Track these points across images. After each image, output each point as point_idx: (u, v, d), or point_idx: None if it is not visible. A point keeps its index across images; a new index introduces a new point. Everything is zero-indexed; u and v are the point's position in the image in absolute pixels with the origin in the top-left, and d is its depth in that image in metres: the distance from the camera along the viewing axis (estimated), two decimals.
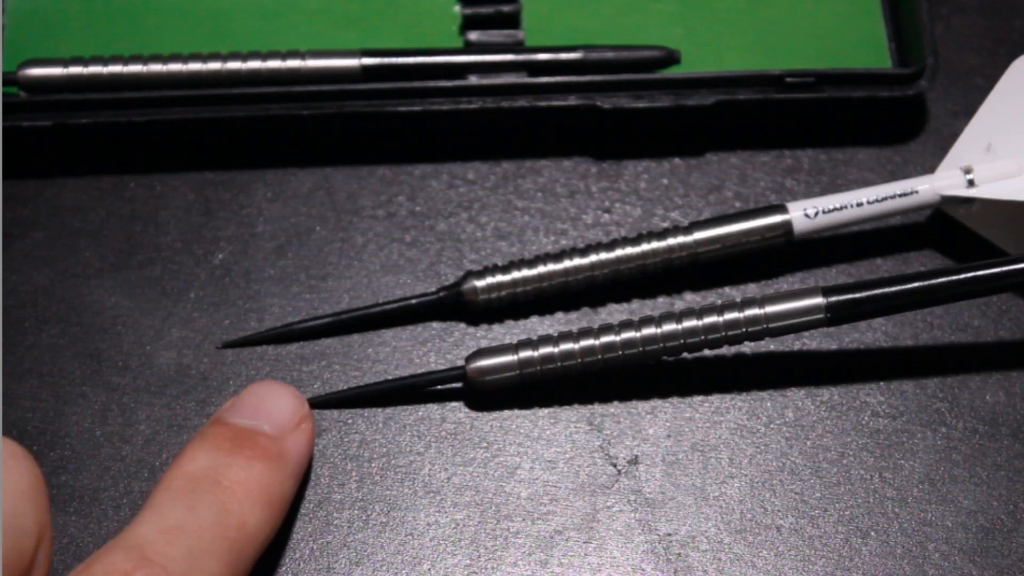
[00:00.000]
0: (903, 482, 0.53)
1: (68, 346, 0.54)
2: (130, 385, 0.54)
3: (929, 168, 0.57)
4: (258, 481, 0.47)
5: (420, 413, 0.53)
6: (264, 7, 0.59)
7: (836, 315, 0.52)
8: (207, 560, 0.45)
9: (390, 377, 0.54)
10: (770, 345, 0.55)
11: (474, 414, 0.53)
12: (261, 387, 0.50)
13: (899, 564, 0.51)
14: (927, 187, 0.55)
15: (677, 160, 0.58)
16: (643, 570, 0.51)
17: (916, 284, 0.52)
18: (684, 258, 0.55)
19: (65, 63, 0.56)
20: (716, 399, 0.54)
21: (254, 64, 0.56)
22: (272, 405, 0.50)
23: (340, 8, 0.59)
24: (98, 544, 0.50)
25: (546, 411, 0.54)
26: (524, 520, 0.52)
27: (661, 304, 0.56)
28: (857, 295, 0.52)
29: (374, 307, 0.55)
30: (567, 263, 0.55)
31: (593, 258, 0.55)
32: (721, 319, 0.52)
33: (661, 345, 0.52)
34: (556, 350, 0.52)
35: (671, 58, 0.57)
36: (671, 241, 0.55)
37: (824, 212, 0.55)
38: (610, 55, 0.57)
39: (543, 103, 0.57)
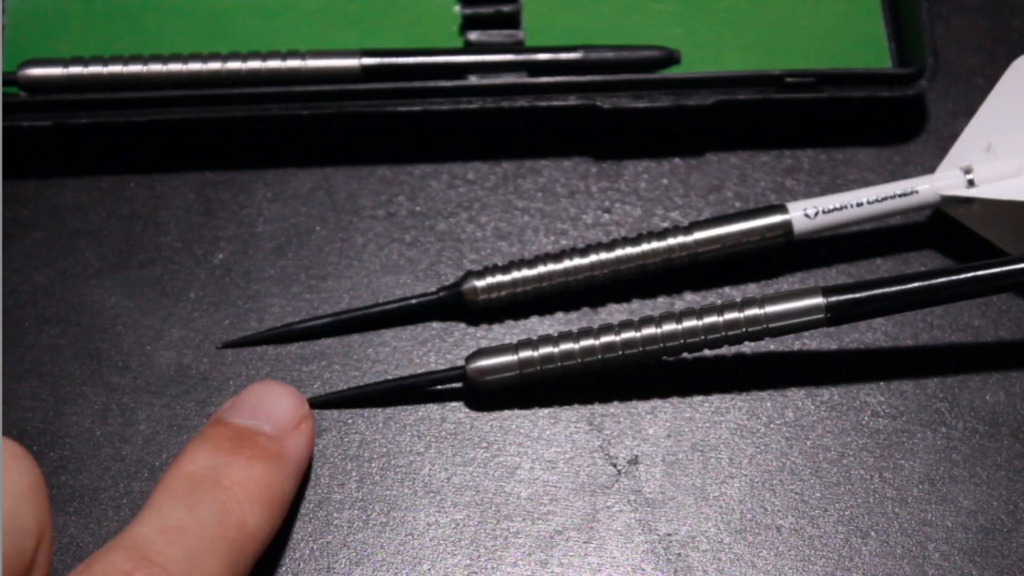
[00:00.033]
0: (903, 482, 0.53)
1: (68, 346, 0.54)
2: (130, 385, 0.54)
3: (929, 168, 0.57)
4: (258, 481, 0.47)
5: (420, 413, 0.53)
6: (264, 7, 0.59)
7: (836, 315, 0.52)
8: (207, 560, 0.45)
9: (390, 377, 0.54)
10: (770, 345, 0.55)
11: (474, 414, 0.53)
12: (261, 387, 0.50)
13: (899, 564, 0.51)
14: (927, 187, 0.55)
15: (677, 160, 0.58)
16: (643, 570, 0.51)
17: (916, 284, 0.52)
18: (684, 258, 0.55)
19: (65, 63, 0.56)
20: (716, 399, 0.54)
21: (254, 64, 0.56)
22: (272, 405, 0.50)
23: (340, 8, 0.59)
24: (98, 544, 0.50)
25: (546, 411, 0.54)
26: (524, 520, 0.52)
27: (661, 304, 0.56)
28: (857, 295, 0.52)
29: (374, 307, 0.55)
30: (567, 263, 0.55)
31: (593, 258, 0.55)
32: (721, 319, 0.52)
33: (661, 345, 0.52)
34: (556, 350, 0.52)
35: (671, 58, 0.57)
36: (671, 241, 0.55)
37: (824, 212, 0.55)
38: (610, 55, 0.57)
39: (543, 103, 0.57)
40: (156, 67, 0.56)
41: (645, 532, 0.52)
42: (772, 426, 0.53)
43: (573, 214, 0.57)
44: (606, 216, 0.57)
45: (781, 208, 0.55)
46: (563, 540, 0.52)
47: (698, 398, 0.54)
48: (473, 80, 0.57)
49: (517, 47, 0.58)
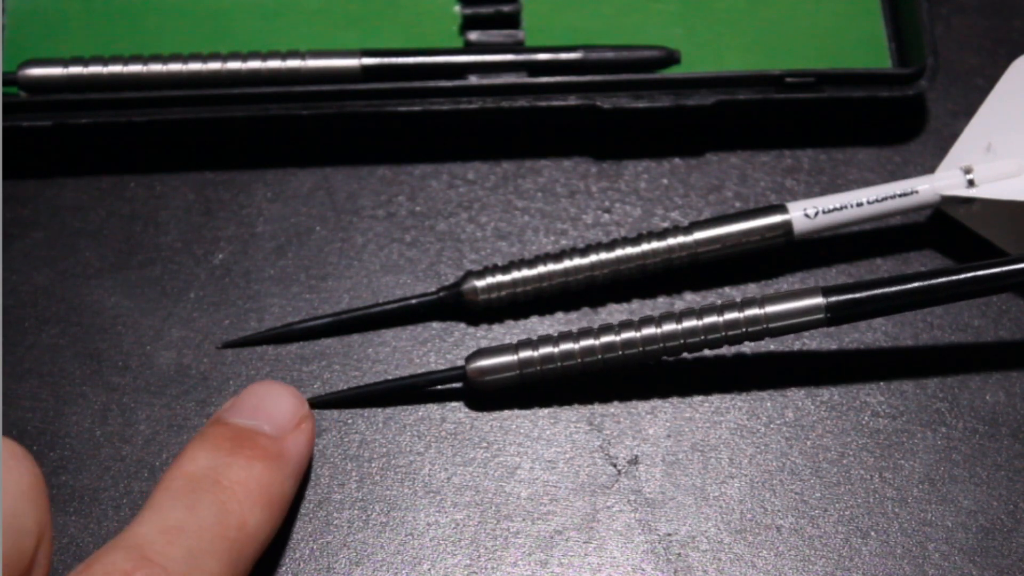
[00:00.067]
0: (903, 482, 0.53)
1: (68, 346, 0.54)
2: (130, 385, 0.54)
3: (929, 168, 0.57)
4: (258, 481, 0.47)
5: (420, 413, 0.53)
6: (264, 7, 0.59)
7: (836, 315, 0.52)
8: (207, 560, 0.45)
9: (390, 377, 0.54)
10: (770, 345, 0.55)
11: (474, 414, 0.53)
12: (261, 387, 0.50)
13: (899, 564, 0.51)
14: (927, 187, 0.55)
15: (677, 160, 0.58)
16: (643, 570, 0.51)
17: (916, 284, 0.52)
18: (684, 258, 0.55)
19: (65, 63, 0.56)
20: (716, 399, 0.54)
21: (254, 64, 0.56)
22: (272, 405, 0.49)
23: (340, 8, 0.59)
24: (98, 544, 0.50)
25: (546, 411, 0.54)
26: (524, 520, 0.52)
27: (661, 304, 0.56)
28: (857, 295, 0.52)
29: (374, 307, 0.55)
30: (567, 263, 0.55)
31: (593, 258, 0.55)
32: (721, 319, 0.52)
33: (661, 345, 0.52)
34: (556, 350, 0.52)
35: (671, 58, 0.57)
36: (671, 241, 0.55)
37: (824, 212, 0.55)
38: (610, 55, 0.57)
39: (543, 103, 0.57)
40: (156, 67, 0.56)
41: (645, 532, 0.52)
42: (772, 426, 0.53)
43: (573, 214, 0.57)
44: (606, 216, 0.57)
45: (781, 208, 0.55)
46: (563, 540, 0.52)
47: (698, 398, 0.54)
48: (473, 80, 0.57)
49: (517, 47, 0.58)
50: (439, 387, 0.54)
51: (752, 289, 0.56)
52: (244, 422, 0.49)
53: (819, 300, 0.52)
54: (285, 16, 0.59)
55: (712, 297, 0.56)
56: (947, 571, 0.51)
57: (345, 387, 0.54)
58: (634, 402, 0.54)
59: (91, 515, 0.52)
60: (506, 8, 0.59)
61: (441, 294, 0.55)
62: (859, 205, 0.55)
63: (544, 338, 0.53)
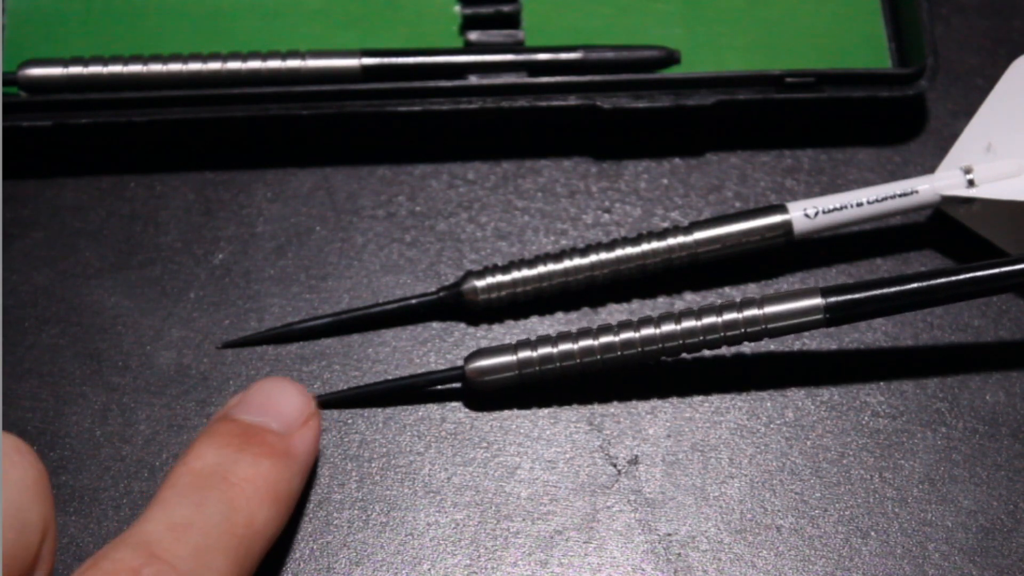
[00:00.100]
0: (903, 482, 0.53)
1: (68, 346, 0.54)
2: (130, 385, 0.54)
3: (929, 168, 0.57)
4: (266, 478, 0.47)
5: (420, 413, 0.53)
6: (264, 7, 0.59)
7: (835, 316, 0.52)
8: (215, 557, 0.45)
9: (390, 377, 0.54)
10: (770, 345, 0.55)
11: (474, 414, 0.53)
12: (269, 384, 0.50)
13: (899, 564, 0.51)
14: (927, 187, 0.55)
15: (677, 160, 0.58)
16: (643, 570, 0.51)
17: (916, 284, 0.52)
18: (684, 258, 0.55)
19: (65, 63, 0.56)
20: (716, 399, 0.54)
21: (254, 64, 0.56)
22: (280, 402, 0.49)
23: (340, 8, 0.59)
24: (98, 544, 0.50)
25: (546, 411, 0.54)
26: (524, 520, 0.52)
27: (661, 304, 0.56)
28: (856, 295, 0.52)
29: (374, 307, 0.55)
30: (567, 263, 0.55)
31: (593, 258, 0.55)
32: (720, 320, 0.52)
33: (660, 346, 0.52)
34: (555, 350, 0.52)
35: (671, 58, 0.57)
36: (671, 241, 0.55)
37: (824, 212, 0.55)
38: (610, 55, 0.57)
39: (543, 103, 0.57)
40: (156, 67, 0.56)
41: (645, 532, 0.52)
42: (772, 426, 0.53)
43: (573, 214, 0.57)
44: (606, 216, 0.57)
45: (781, 208, 0.55)
46: (563, 540, 0.52)
47: (698, 398, 0.54)
48: (473, 80, 0.57)
49: (517, 47, 0.58)
50: (439, 387, 0.54)
51: (752, 289, 0.56)
52: (252, 419, 0.49)
53: (818, 301, 0.52)
54: (285, 16, 0.59)
55: (712, 297, 0.56)
56: (947, 571, 0.51)
57: (345, 387, 0.54)
58: (634, 402, 0.54)
59: (91, 515, 0.52)
60: (506, 8, 0.59)
61: (441, 294, 0.55)
62: (859, 205, 0.55)
63: (543, 338, 0.53)
